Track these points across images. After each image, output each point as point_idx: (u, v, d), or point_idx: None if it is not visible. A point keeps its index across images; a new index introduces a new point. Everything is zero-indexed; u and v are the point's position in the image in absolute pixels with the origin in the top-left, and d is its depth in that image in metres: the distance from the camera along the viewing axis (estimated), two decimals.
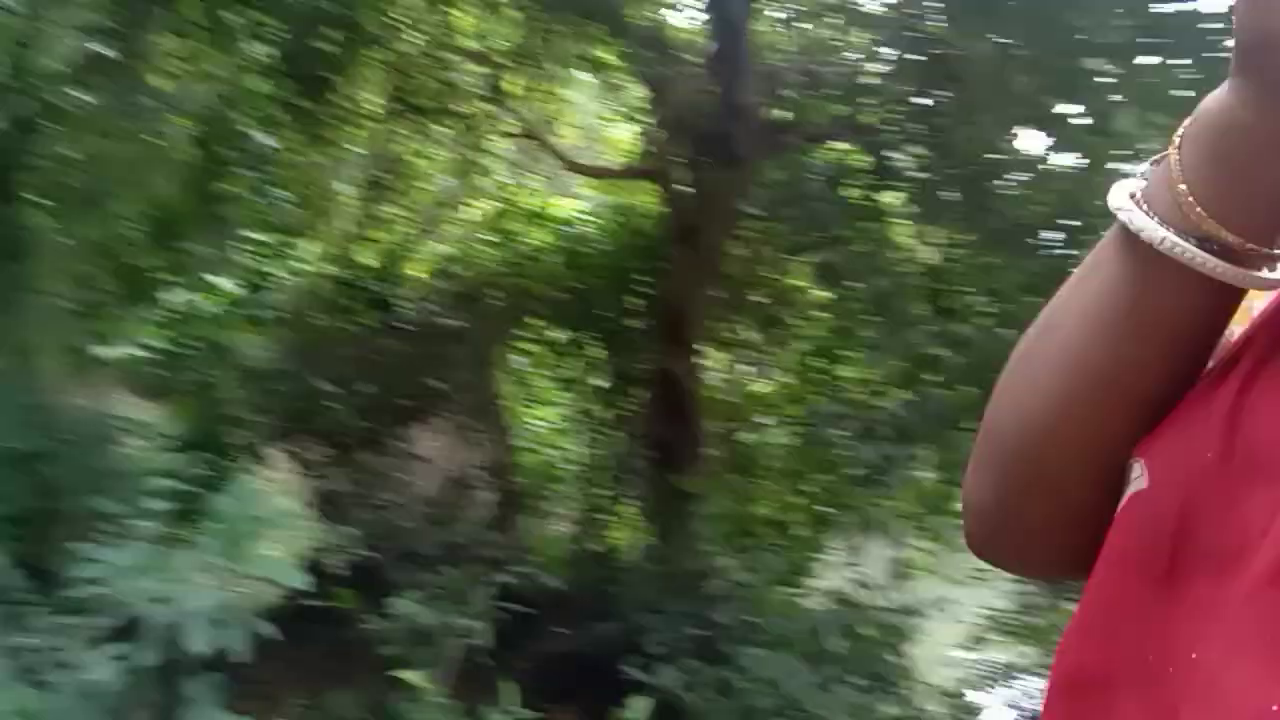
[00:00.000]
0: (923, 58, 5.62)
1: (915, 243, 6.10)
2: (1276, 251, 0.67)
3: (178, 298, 6.78)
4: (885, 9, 6.22)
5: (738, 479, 6.48)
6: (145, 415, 6.32)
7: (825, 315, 5.99)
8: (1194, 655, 0.59)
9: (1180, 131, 0.67)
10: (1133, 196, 0.69)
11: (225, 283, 6.88)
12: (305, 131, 6.94)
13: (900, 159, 5.85)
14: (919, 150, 5.83)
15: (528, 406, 7.30)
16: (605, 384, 6.80)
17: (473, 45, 7.08)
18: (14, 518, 5.03)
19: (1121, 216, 0.68)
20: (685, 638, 5.12)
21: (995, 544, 0.84)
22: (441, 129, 7.23)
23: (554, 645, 5.50)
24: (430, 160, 7.43)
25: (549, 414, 7.41)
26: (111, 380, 6.65)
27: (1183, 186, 0.65)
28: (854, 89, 6.05)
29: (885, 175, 5.79)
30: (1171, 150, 0.67)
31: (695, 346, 6.19)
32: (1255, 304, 0.73)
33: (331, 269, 7.17)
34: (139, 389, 6.66)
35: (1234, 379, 0.66)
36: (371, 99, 7.18)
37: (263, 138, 7.05)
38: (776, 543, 5.73)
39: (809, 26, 6.64)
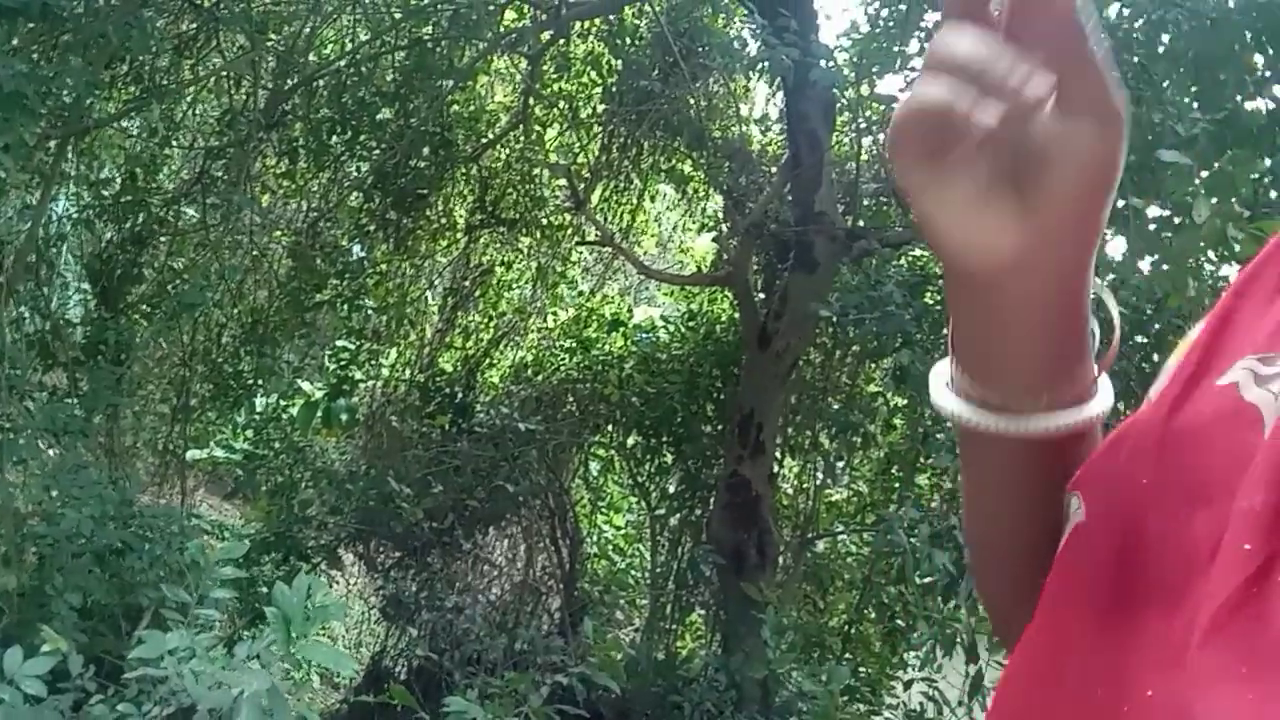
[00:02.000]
0: None
1: None
2: (1079, 400, 0.67)
3: (262, 402, 6.96)
4: None
5: (810, 588, 6.29)
6: (224, 515, 6.44)
7: (901, 421, 5.84)
8: (1149, 693, 0.55)
9: None
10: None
11: (309, 387, 7.06)
12: (394, 242, 7.17)
13: None
14: None
15: (599, 511, 7.25)
16: (677, 489, 6.73)
17: (557, 159, 7.28)
18: (88, 610, 5.14)
19: (932, 398, 0.70)
20: None
21: (1011, 636, 0.84)
22: (524, 239, 7.41)
23: None
24: (512, 269, 7.60)
25: (619, 519, 7.34)
26: (195, 480, 6.82)
27: (951, 354, 0.67)
28: None
29: None
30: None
31: (769, 452, 6.10)
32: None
33: (411, 374, 7.31)
34: (220, 489, 6.81)
35: (1163, 403, 0.65)
36: (458, 211, 7.41)
37: (355, 249, 7.33)
38: (848, 655, 5.49)
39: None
